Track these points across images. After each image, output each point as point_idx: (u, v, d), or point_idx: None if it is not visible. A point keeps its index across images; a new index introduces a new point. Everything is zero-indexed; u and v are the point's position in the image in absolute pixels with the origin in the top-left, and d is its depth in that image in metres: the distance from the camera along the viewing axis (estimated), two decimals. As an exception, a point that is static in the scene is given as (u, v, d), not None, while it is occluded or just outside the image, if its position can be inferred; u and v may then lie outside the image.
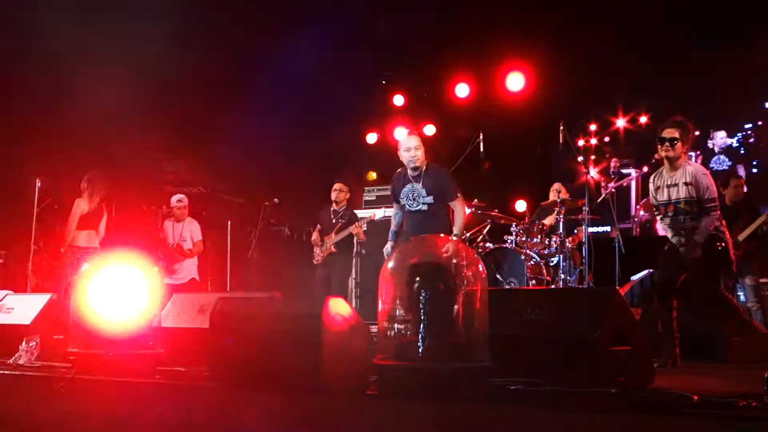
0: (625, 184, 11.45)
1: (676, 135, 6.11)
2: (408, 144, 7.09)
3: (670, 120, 6.22)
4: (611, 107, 13.09)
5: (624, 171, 12.43)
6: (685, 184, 6.09)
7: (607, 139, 13.29)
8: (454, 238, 6.55)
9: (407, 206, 7.11)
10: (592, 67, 12.20)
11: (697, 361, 6.20)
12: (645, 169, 9.79)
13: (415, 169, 7.05)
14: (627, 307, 4.21)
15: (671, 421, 2.87)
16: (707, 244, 6.08)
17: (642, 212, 11.13)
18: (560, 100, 12.34)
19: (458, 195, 7.09)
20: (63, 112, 10.40)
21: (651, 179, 6.40)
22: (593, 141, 13.44)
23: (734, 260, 6.44)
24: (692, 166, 6.19)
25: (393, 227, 7.44)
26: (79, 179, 9.12)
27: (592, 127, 13.38)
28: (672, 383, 4.27)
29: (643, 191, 12.24)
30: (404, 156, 7.08)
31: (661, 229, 6.50)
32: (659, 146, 6.19)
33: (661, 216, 6.36)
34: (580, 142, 13.17)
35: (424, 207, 7.02)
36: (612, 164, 10.61)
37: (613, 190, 9.37)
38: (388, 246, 7.25)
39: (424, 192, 7.02)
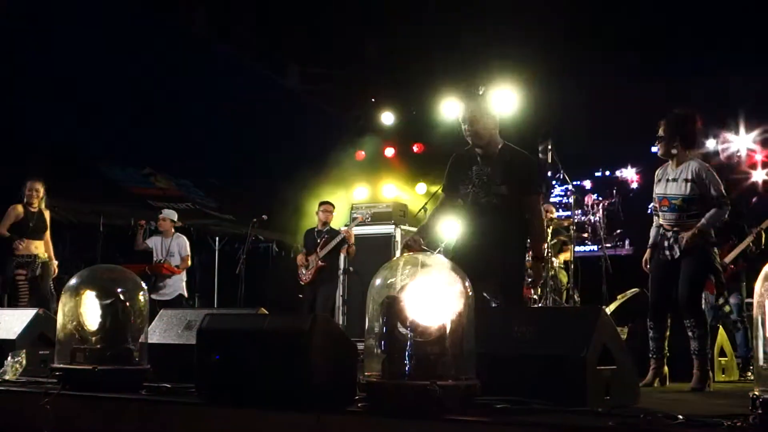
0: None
1: (660, 132, 5.96)
2: (463, 113, 5.45)
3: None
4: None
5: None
6: (686, 180, 5.84)
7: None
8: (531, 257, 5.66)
9: (471, 196, 5.35)
10: (578, 87, 12.31)
11: (682, 381, 6.22)
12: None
13: (480, 147, 5.36)
14: (613, 326, 4.23)
15: (656, 440, 2.88)
16: (701, 251, 5.87)
17: None
18: (548, 119, 12.41)
19: (541, 191, 5.54)
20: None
21: (657, 173, 6.14)
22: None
23: (720, 270, 6.31)
24: (697, 163, 5.90)
25: (429, 223, 5.63)
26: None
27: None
28: (657, 403, 4.29)
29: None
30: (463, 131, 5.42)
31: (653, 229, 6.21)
32: None
33: (654, 211, 6.14)
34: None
35: (495, 200, 5.29)
36: None
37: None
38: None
39: (497, 179, 5.27)
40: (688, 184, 5.83)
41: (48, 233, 8.82)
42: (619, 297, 9.15)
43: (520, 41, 11.05)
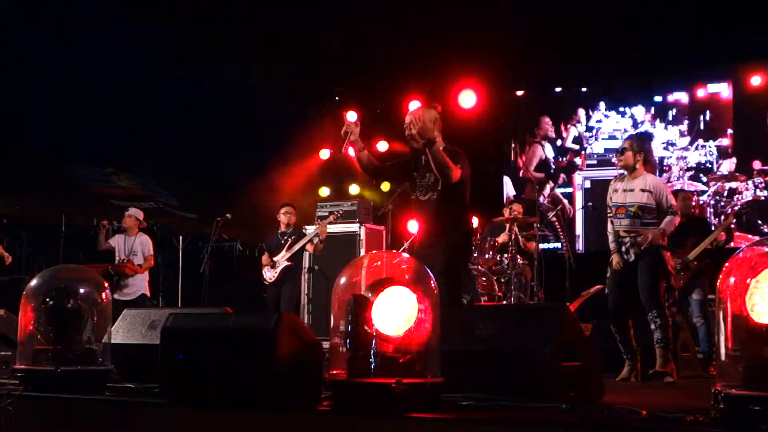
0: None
1: (626, 146, 6.62)
2: (406, 119, 5.80)
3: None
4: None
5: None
6: (642, 190, 6.45)
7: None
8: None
9: (418, 195, 5.77)
10: (542, 85, 12.40)
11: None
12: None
13: (420, 151, 5.67)
14: (577, 322, 4.27)
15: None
16: (654, 251, 6.36)
17: None
18: (512, 118, 12.50)
19: (457, 165, 5.61)
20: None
21: (612, 183, 6.77)
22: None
23: (673, 273, 6.81)
24: (651, 176, 6.59)
25: None
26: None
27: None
28: (621, 398, 4.33)
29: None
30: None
31: (609, 234, 6.70)
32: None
33: (611, 219, 6.66)
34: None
35: (434, 197, 5.68)
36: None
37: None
38: None
39: (433, 179, 5.65)
40: (645, 194, 6.47)
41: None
42: (582, 294, 9.21)
43: (485, 39, 11.08)
